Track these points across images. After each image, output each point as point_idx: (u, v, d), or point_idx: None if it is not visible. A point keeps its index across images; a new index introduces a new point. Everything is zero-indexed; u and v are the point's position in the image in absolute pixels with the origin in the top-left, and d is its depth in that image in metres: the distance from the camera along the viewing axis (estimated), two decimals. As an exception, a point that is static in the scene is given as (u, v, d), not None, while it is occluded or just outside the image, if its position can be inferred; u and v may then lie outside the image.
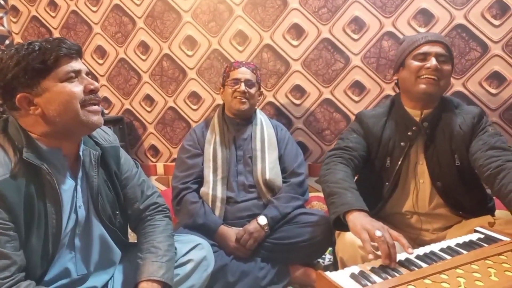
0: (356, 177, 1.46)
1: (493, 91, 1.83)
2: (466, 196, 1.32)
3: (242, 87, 1.68)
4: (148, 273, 1.03)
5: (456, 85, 1.87)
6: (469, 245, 1.02)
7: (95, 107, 0.98)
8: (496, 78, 1.81)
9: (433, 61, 1.28)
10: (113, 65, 2.39)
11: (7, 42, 2.47)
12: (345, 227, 1.12)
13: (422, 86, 1.29)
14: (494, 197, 1.40)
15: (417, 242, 1.36)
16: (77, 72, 0.95)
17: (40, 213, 0.93)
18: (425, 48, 1.30)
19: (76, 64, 0.95)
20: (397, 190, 1.38)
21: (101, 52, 2.40)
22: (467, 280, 0.83)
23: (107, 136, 1.14)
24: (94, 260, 1.07)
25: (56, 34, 2.41)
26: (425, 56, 1.30)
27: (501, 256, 0.91)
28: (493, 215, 1.34)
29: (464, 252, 0.97)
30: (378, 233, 0.99)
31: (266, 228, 1.55)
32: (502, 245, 0.97)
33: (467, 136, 1.29)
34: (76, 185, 1.02)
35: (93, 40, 2.39)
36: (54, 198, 0.95)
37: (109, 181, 1.11)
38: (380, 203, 1.39)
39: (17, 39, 2.49)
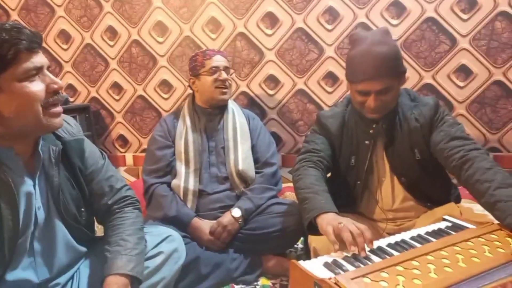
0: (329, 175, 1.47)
1: (461, 84, 1.88)
2: (431, 187, 1.33)
3: (224, 75, 1.65)
4: (116, 267, 0.98)
5: (426, 78, 1.91)
6: (438, 233, 1.05)
7: (57, 109, 0.90)
8: (463, 71, 1.86)
9: (371, 103, 1.22)
10: (79, 50, 2.28)
11: (-40, 23, 2.29)
12: (318, 230, 1.13)
13: (369, 115, 1.28)
14: (458, 186, 1.44)
15: (386, 231, 1.38)
16: (39, 69, 0.85)
17: None
18: (363, 86, 1.22)
19: (37, 59, 0.85)
20: (367, 188, 1.38)
21: (65, 36, 2.27)
22: (437, 267, 0.84)
23: (70, 128, 1.05)
24: (57, 263, 1.00)
25: (14, 16, 2.26)
26: (365, 93, 1.24)
27: (468, 242, 0.94)
28: (458, 203, 1.38)
29: (434, 240, 0.99)
30: (341, 223, 1.01)
31: (240, 220, 1.53)
32: (469, 232, 1.00)
33: (425, 128, 1.29)
34: (34, 185, 0.94)
35: (56, 24, 2.26)
36: (9, 199, 0.88)
37: (72, 177, 1.03)
38: (356, 202, 1.40)
39: (-28, 20, 2.32)
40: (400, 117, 1.31)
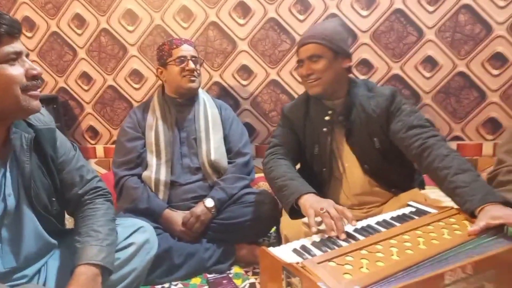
0: (298, 167, 1.51)
1: (427, 74, 1.94)
2: (394, 174, 1.38)
3: (191, 64, 1.63)
4: (87, 257, 0.97)
5: (394, 68, 1.96)
6: (402, 218, 1.09)
7: (36, 92, 0.92)
8: (430, 62, 1.93)
9: (303, 70, 1.34)
10: (44, 39, 2.20)
11: None
12: (300, 214, 1.17)
13: (310, 90, 1.36)
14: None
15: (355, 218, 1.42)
16: (19, 54, 0.89)
17: None
18: (300, 55, 1.36)
19: (17, 45, 0.88)
20: (333, 174, 1.43)
21: (29, 24, 2.18)
22: (399, 249, 0.88)
23: (42, 117, 1.05)
24: (25, 252, 0.99)
25: (-27, 1, 2.15)
26: (301, 62, 1.35)
27: (428, 226, 0.99)
28: (423, 188, 1.43)
29: (398, 224, 1.04)
30: (323, 208, 1.05)
31: (213, 210, 1.54)
32: (430, 216, 1.05)
33: (382, 118, 1.33)
34: (5, 172, 0.93)
35: (19, 10, 2.17)
36: None
37: (44, 166, 1.02)
38: (324, 189, 1.44)
39: None
40: (357, 106, 1.35)
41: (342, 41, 1.34)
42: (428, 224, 0.99)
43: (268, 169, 1.37)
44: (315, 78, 1.32)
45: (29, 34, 2.20)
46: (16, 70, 0.87)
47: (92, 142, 2.33)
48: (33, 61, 2.20)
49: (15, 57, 0.87)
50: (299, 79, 2.04)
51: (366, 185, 1.39)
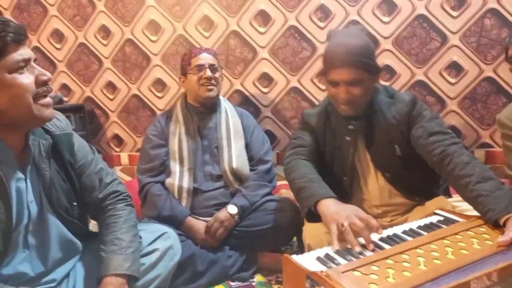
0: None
1: (452, 80, 1.90)
2: (417, 181, 1.34)
3: (208, 72, 1.64)
4: (113, 267, 0.99)
5: (418, 74, 1.93)
6: (429, 227, 1.06)
7: (47, 100, 0.92)
8: (455, 67, 1.88)
9: (342, 94, 1.23)
10: (72, 50, 2.28)
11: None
12: (318, 218, 1.14)
13: (342, 109, 1.29)
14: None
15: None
16: (27, 61, 0.87)
17: None
18: (334, 76, 1.23)
19: (24, 51, 0.87)
20: (354, 184, 1.40)
21: (58, 36, 2.27)
22: (427, 259, 0.86)
23: (58, 122, 1.06)
24: (52, 256, 1.01)
25: (7, 16, 2.25)
26: (335, 83, 1.24)
27: (457, 236, 0.96)
28: (449, 195, 1.39)
29: (425, 233, 1.01)
30: (345, 224, 1.00)
31: (236, 217, 1.55)
32: (458, 225, 1.02)
33: (402, 125, 1.29)
34: (25, 179, 0.95)
35: (49, 23, 2.26)
36: (1, 193, 0.89)
37: (63, 171, 1.04)
38: (345, 199, 1.39)
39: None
40: (378, 114, 1.33)
41: (373, 59, 1.27)
42: (457, 233, 0.96)
43: (289, 169, 1.34)
44: (352, 101, 1.25)
45: (58, 46, 2.28)
46: (26, 79, 0.86)
47: (117, 150, 2.38)
48: (61, 71, 2.29)
49: (24, 64, 0.86)
50: (320, 86, 2.04)
51: (388, 194, 1.36)
